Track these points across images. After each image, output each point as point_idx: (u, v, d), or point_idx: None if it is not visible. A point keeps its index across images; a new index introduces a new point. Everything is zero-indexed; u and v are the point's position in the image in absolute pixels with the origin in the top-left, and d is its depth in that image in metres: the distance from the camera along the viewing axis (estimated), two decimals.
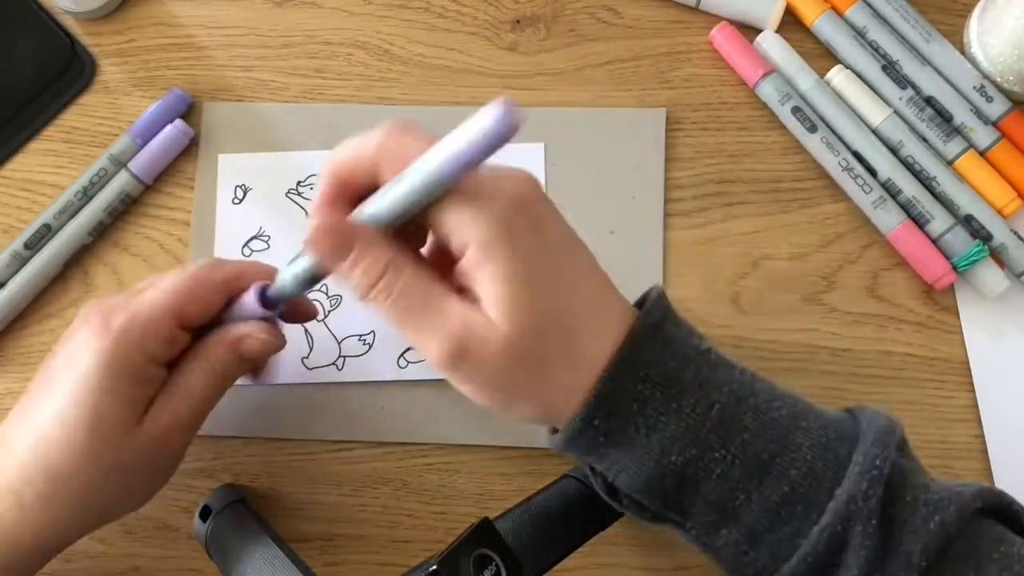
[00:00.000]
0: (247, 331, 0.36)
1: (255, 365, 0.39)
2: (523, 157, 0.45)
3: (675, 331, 0.31)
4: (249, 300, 0.35)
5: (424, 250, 0.33)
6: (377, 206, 0.29)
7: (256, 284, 0.35)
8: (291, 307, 0.38)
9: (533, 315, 0.29)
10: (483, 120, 0.26)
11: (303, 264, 0.32)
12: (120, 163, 0.45)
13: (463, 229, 0.29)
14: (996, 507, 0.30)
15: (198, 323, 0.36)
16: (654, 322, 0.30)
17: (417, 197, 0.28)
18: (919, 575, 0.28)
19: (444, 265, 0.31)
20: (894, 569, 0.29)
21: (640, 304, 0.32)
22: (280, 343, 0.37)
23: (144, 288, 0.36)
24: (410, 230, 0.31)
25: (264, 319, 0.36)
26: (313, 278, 0.32)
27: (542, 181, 0.45)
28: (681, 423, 0.29)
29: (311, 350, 0.43)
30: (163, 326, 0.34)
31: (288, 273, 0.33)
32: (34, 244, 0.44)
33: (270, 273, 0.37)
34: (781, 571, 0.29)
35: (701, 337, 0.31)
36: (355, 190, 0.31)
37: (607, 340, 0.30)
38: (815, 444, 0.30)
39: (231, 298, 0.36)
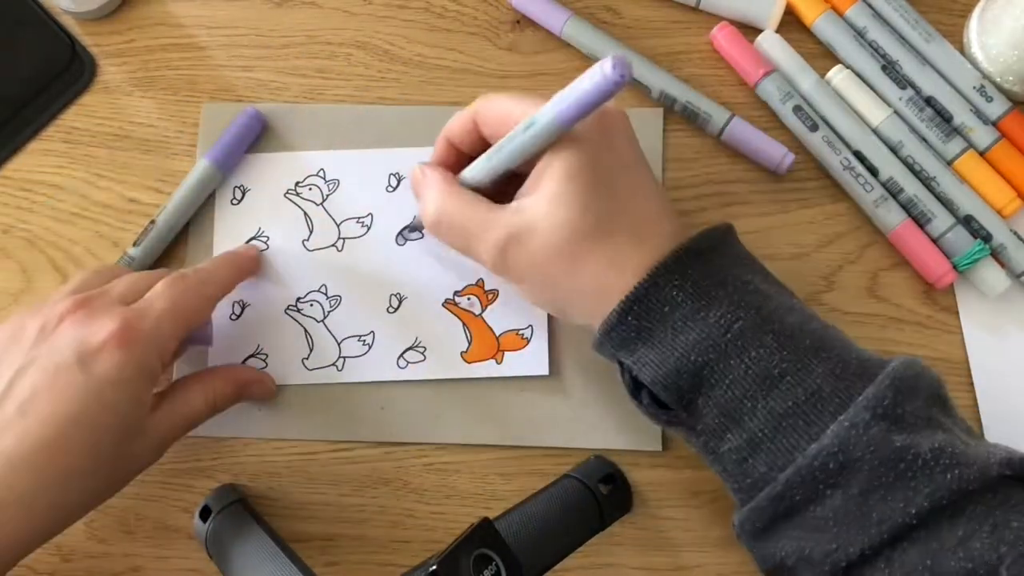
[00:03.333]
0: (258, 378, 0.42)
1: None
2: None
3: (721, 260, 0.34)
4: (203, 333, 0.42)
5: None
6: (483, 167, 0.37)
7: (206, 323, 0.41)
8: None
9: (578, 213, 0.34)
10: (602, 67, 0.31)
11: (499, 156, 0.36)
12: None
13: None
14: None
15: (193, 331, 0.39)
16: (701, 248, 0.34)
17: (526, 154, 0.35)
18: (918, 517, 0.29)
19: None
20: (893, 503, 0.29)
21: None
22: (274, 389, 0.43)
23: (127, 282, 0.38)
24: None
25: None
26: (508, 168, 0.37)
27: None
28: (705, 330, 0.32)
29: (311, 351, 0.43)
30: (176, 338, 0.37)
31: (486, 163, 0.37)
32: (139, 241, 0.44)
33: (244, 264, 0.42)
34: (777, 480, 0.31)
35: (753, 272, 0.35)
36: (460, 150, 0.39)
37: (652, 251, 0.34)
38: (829, 372, 0.32)
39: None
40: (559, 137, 0.34)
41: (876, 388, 0.31)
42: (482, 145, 0.38)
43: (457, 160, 0.39)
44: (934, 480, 0.29)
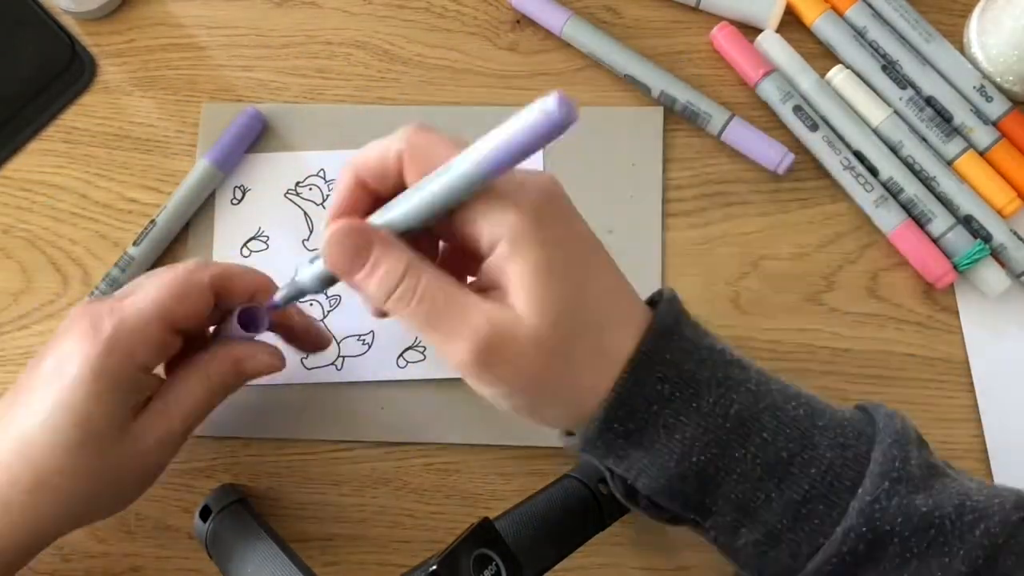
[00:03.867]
0: (252, 351, 0.37)
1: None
2: None
3: (690, 332, 0.31)
4: (233, 326, 0.36)
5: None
6: (403, 208, 0.29)
7: (237, 308, 0.36)
8: (302, 335, 0.40)
9: (562, 307, 0.29)
10: (545, 106, 0.25)
11: (320, 266, 0.31)
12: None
13: (495, 223, 0.28)
14: None
15: (188, 325, 0.35)
16: (669, 323, 0.30)
17: (456, 193, 0.28)
18: None
19: (459, 271, 0.31)
20: (929, 571, 0.28)
21: (651, 303, 0.32)
22: (281, 364, 0.38)
23: (131, 291, 0.35)
24: (421, 242, 0.30)
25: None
26: (331, 278, 0.31)
27: None
28: (701, 423, 0.29)
29: None
30: (152, 331, 0.34)
31: (307, 274, 0.32)
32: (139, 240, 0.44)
33: (257, 279, 0.37)
34: (805, 569, 0.29)
35: (715, 337, 0.32)
36: (374, 193, 0.30)
37: (627, 336, 0.30)
38: (833, 443, 0.30)
39: (220, 299, 0.36)
40: (507, 208, 0.28)
41: (882, 451, 0.29)
42: (400, 188, 0.30)
43: (368, 206, 0.30)
44: (965, 540, 0.28)
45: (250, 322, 0.36)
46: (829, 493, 0.29)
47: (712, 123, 0.45)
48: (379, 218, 0.29)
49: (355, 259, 0.29)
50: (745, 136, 0.44)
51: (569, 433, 0.32)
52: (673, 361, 0.30)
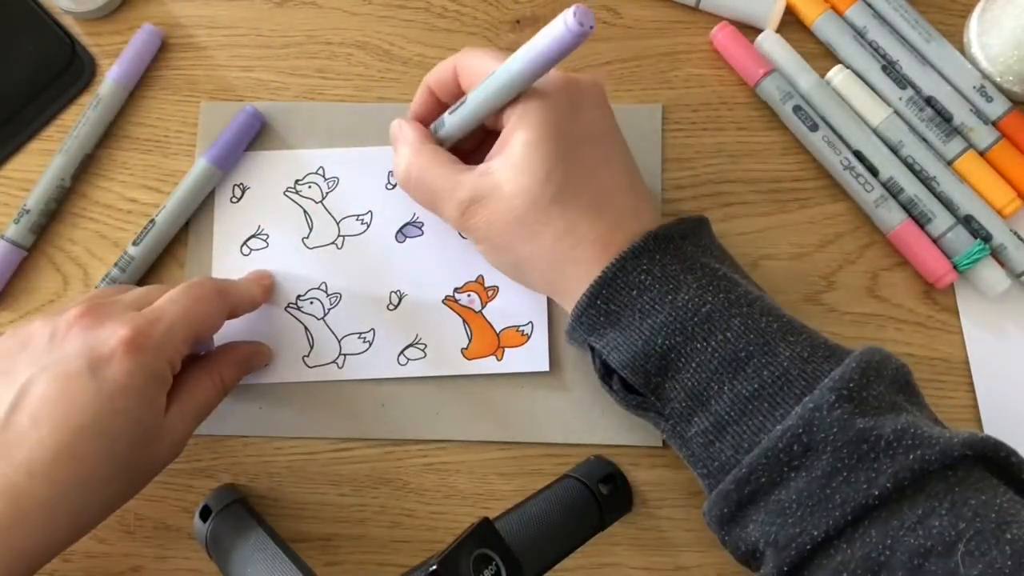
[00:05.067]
0: (257, 350, 0.42)
1: None
2: None
3: (691, 248, 0.35)
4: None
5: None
6: (458, 116, 0.37)
7: None
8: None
9: (538, 180, 0.34)
10: (564, 18, 0.30)
11: (469, 105, 0.37)
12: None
13: (515, 105, 0.35)
14: (991, 457, 0.30)
15: (204, 340, 0.39)
16: (669, 234, 0.34)
17: (493, 102, 0.35)
18: (880, 499, 0.29)
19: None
20: (855, 484, 0.29)
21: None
22: (270, 353, 0.43)
23: (138, 294, 0.37)
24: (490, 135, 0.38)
25: None
26: (478, 118, 0.37)
27: None
28: (672, 313, 0.33)
29: (311, 348, 0.43)
30: (187, 344, 0.36)
31: (457, 114, 0.38)
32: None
33: (259, 288, 0.42)
34: (742, 462, 0.31)
35: (721, 263, 0.35)
36: (443, 99, 0.39)
37: (610, 225, 0.34)
38: (795, 356, 0.32)
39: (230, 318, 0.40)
40: (528, 96, 0.35)
41: (842, 370, 0.31)
42: (461, 96, 0.38)
43: (437, 110, 0.40)
44: (896, 461, 0.29)
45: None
46: (776, 395, 0.31)
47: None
48: (440, 126, 0.38)
49: (394, 139, 0.40)
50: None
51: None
52: (662, 261, 0.34)
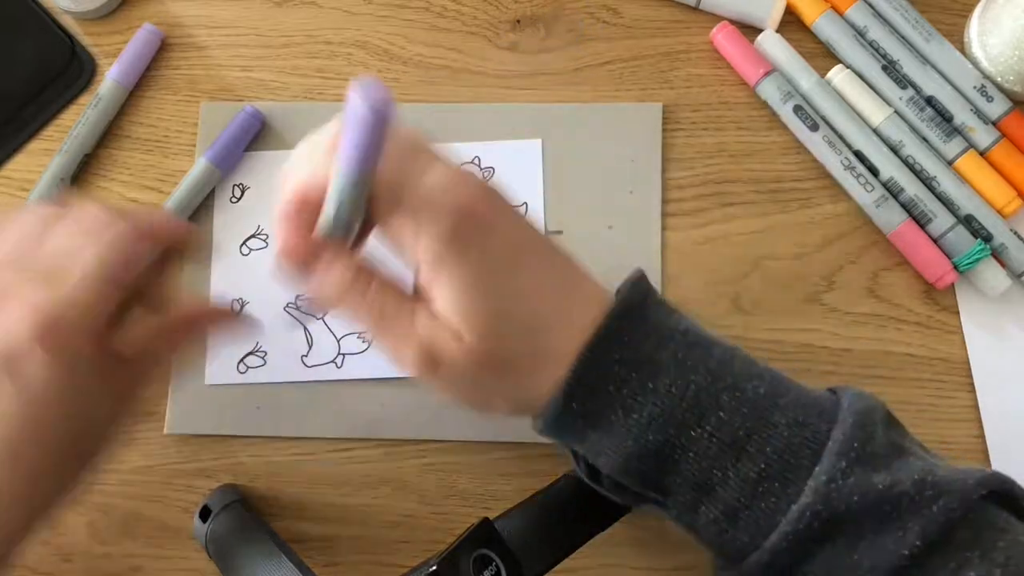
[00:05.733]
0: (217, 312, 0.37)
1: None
2: (521, 153, 0.45)
3: (653, 312, 0.31)
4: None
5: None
6: (325, 217, 0.29)
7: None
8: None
9: (491, 322, 0.30)
10: (355, 109, 0.24)
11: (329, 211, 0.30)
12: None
13: (411, 247, 0.29)
14: (1000, 492, 0.30)
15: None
16: (631, 305, 0.31)
17: (348, 205, 0.28)
18: (912, 557, 0.28)
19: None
20: (883, 547, 0.28)
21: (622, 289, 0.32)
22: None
23: (60, 249, 0.32)
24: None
25: None
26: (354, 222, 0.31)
27: (540, 177, 0.45)
28: (657, 403, 0.30)
29: (310, 348, 0.43)
30: (108, 303, 0.31)
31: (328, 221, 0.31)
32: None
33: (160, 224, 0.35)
34: (762, 548, 0.29)
35: (681, 317, 0.32)
36: (316, 200, 0.30)
37: (580, 327, 0.30)
38: (792, 422, 0.30)
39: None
40: (430, 236, 0.28)
41: (843, 430, 0.29)
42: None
43: (306, 236, 0.31)
44: (922, 515, 0.28)
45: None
46: (786, 471, 0.29)
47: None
48: (327, 228, 0.30)
49: (308, 270, 0.30)
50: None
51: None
52: (631, 342, 0.30)
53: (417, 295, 0.31)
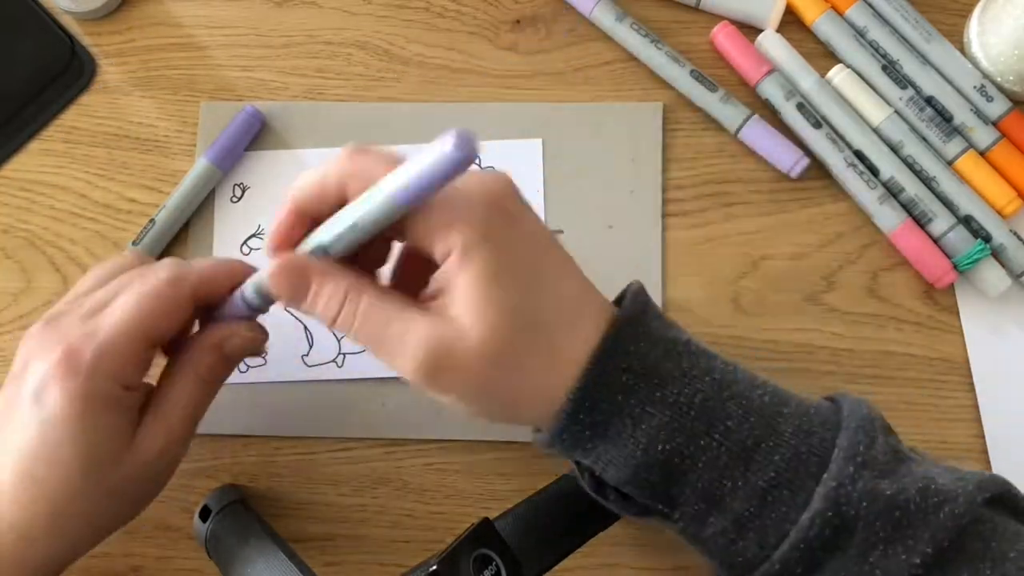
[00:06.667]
0: (229, 331, 0.36)
1: (239, 361, 0.38)
2: (521, 153, 0.45)
3: (655, 323, 0.31)
4: (237, 306, 0.35)
5: (391, 263, 0.34)
6: (335, 230, 0.29)
7: (240, 290, 0.35)
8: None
9: (508, 315, 0.29)
10: (443, 146, 0.25)
11: (349, 232, 0.30)
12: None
13: (444, 237, 0.29)
14: (999, 495, 0.30)
15: (168, 337, 0.35)
16: (634, 315, 0.31)
17: (381, 218, 0.28)
18: (924, 566, 0.28)
19: (412, 278, 0.32)
20: (895, 556, 0.28)
21: (619, 300, 0.32)
22: (263, 336, 0.37)
23: (101, 304, 0.34)
24: (369, 251, 0.31)
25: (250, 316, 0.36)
26: (358, 243, 0.31)
27: (540, 177, 0.45)
28: (666, 412, 0.29)
29: (311, 347, 0.43)
30: (134, 353, 0.33)
31: (251, 290, 0.33)
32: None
33: (238, 271, 0.35)
34: (771, 558, 0.29)
35: (680, 329, 0.32)
36: (316, 219, 0.30)
37: (587, 336, 0.30)
38: (797, 430, 0.30)
39: (202, 304, 0.35)
40: (461, 223, 0.29)
41: (848, 436, 0.29)
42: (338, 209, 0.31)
43: (303, 234, 0.31)
44: (930, 523, 0.28)
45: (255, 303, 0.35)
46: (795, 479, 0.29)
47: (730, 121, 0.45)
48: (311, 243, 0.30)
49: (297, 291, 0.30)
50: (762, 136, 0.44)
51: (538, 430, 0.32)
52: (637, 352, 0.30)
53: (420, 299, 0.31)
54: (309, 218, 0.31)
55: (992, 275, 0.43)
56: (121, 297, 0.33)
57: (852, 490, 0.28)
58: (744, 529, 0.30)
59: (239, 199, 0.46)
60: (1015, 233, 0.43)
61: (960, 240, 0.43)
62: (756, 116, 0.45)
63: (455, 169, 0.26)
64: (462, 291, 0.29)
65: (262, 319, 0.43)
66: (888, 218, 0.43)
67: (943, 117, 0.44)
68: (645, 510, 0.32)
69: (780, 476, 0.29)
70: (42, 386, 0.32)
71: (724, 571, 0.31)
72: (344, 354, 0.43)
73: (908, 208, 0.44)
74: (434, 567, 0.29)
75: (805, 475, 0.29)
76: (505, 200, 0.30)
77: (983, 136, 0.44)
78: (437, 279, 0.30)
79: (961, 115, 0.44)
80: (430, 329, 0.29)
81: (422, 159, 0.26)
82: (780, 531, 0.29)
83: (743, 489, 0.29)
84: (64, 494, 0.32)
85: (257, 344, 0.36)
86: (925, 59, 0.45)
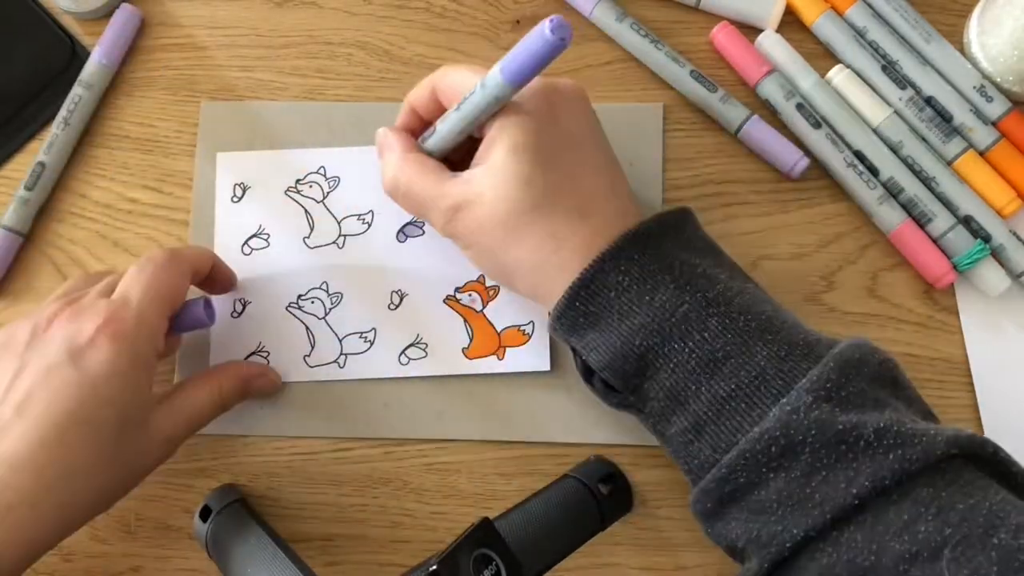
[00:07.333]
0: (260, 371, 0.42)
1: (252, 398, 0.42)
2: None
3: (671, 245, 0.35)
4: (195, 317, 0.40)
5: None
6: (440, 133, 0.38)
7: (200, 299, 0.40)
8: (214, 281, 0.42)
9: (526, 183, 0.34)
10: (542, 29, 0.30)
11: (454, 118, 0.37)
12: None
13: (496, 118, 0.36)
14: (977, 455, 0.30)
15: (177, 308, 0.39)
16: (647, 232, 0.34)
17: (471, 120, 0.36)
18: (860, 499, 0.29)
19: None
20: (835, 485, 0.29)
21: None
22: (280, 384, 0.43)
23: (110, 281, 0.39)
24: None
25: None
26: (463, 130, 0.37)
27: None
28: (649, 314, 0.33)
29: (313, 348, 0.43)
30: (161, 319, 0.37)
31: (444, 126, 0.38)
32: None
33: (211, 254, 0.41)
34: (720, 462, 0.31)
35: (708, 259, 0.35)
36: (425, 116, 0.40)
37: (594, 228, 0.35)
38: (773, 355, 0.32)
39: (195, 282, 0.41)
40: (509, 106, 0.35)
41: (819, 370, 0.31)
42: (442, 113, 0.39)
43: (421, 126, 0.40)
44: (876, 461, 0.29)
45: (208, 311, 0.40)
46: (753, 395, 0.32)
47: (730, 121, 0.45)
48: (428, 137, 0.39)
49: (379, 149, 0.40)
50: (763, 136, 0.44)
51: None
52: (640, 261, 0.34)
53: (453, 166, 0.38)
54: (418, 115, 0.40)
55: (992, 275, 0.43)
56: (133, 273, 0.37)
57: (804, 417, 0.30)
58: (701, 432, 0.32)
59: (239, 199, 0.46)
60: (1015, 233, 0.43)
61: (960, 240, 0.43)
62: (756, 116, 0.45)
63: (552, 53, 0.31)
64: (491, 155, 0.35)
65: (264, 319, 0.44)
66: (888, 218, 0.43)
67: (943, 117, 0.45)
68: (624, 401, 0.36)
69: (740, 389, 0.32)
70: (84, 347, 0.34)
71: (686, 475, 0.34)
72: (345, 355, 0.43)
73: (908, 208, 0.44)
74: (434, 567, 0.29)
75: (765, 394, 0.31)
76: (558, 95, 0.36)
77: (983, 136, 0.44)
78: (480, 148, 0.36)
79: (961, 115, 0.44)
80: (457, 188, 0.36)
81: (526, 43, 0.31)
82: (731, 440, 0.32)
83: (705, 394, 0.32)
84: (88, 460, 0.34)
85: (274, 392, 0.43)
86: (925, 59, 0.45)
